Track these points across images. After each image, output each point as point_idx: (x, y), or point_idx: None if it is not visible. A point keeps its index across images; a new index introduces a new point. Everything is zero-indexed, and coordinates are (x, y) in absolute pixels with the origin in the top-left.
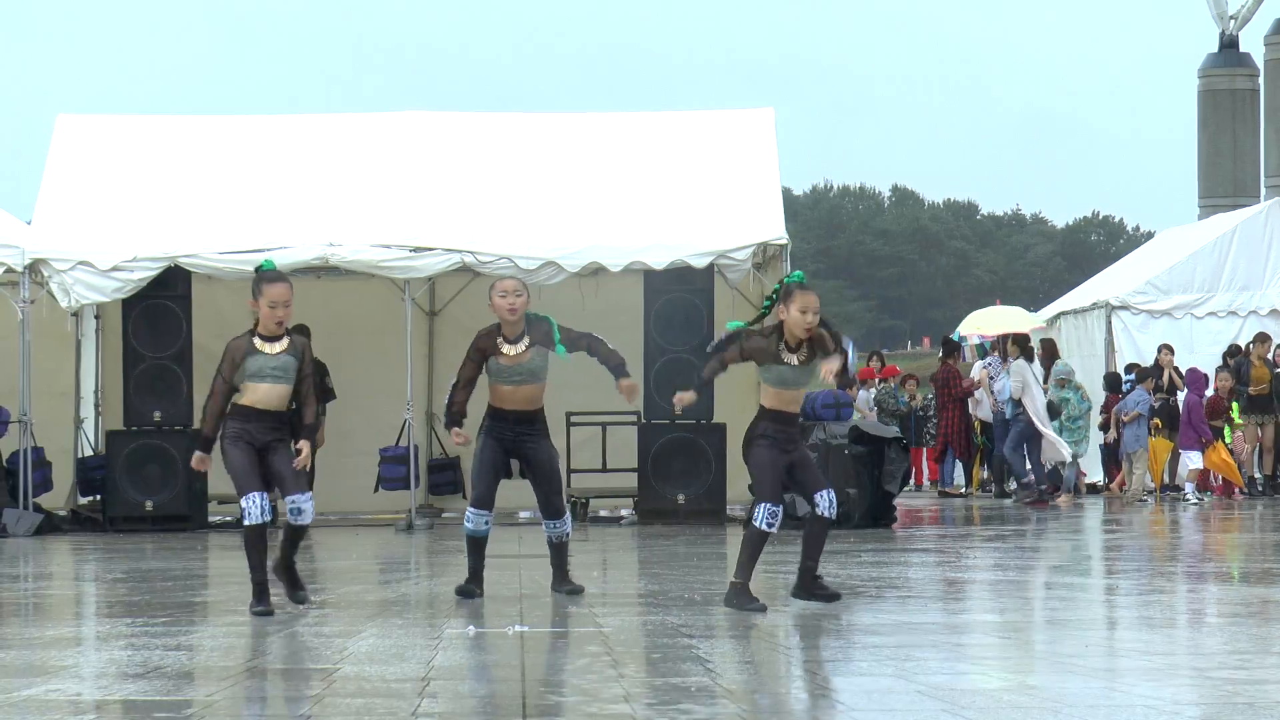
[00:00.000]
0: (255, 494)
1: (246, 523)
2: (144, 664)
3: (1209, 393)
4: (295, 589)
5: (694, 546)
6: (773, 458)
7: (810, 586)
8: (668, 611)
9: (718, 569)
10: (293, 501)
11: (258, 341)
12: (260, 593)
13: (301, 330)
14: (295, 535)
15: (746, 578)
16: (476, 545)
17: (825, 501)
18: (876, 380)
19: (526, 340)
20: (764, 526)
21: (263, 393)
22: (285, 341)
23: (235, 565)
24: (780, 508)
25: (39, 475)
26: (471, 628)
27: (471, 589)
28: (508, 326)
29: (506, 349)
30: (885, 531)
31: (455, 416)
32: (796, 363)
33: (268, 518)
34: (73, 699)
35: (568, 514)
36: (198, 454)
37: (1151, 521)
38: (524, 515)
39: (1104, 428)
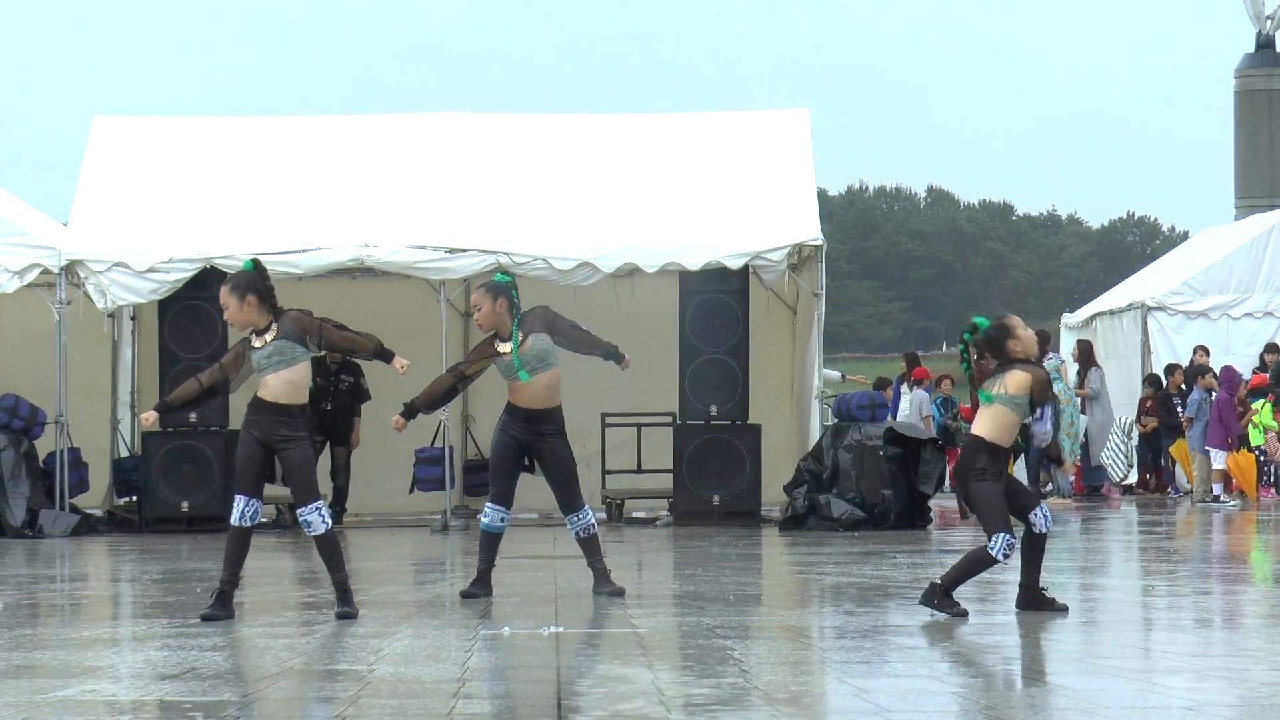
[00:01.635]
0: (245, 497)
1: (231, 521)
2: (180, 665)
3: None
4: (340, 603)
5: (729, 548)
6: (996, 489)
7: (1035, 600)
8: (703, 612)
9: (753, 570)
10: (300, 514)
11: (252, 337)
12: (219, 596)
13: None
14: (321, 549)
15: (952, 585)
16: (490, 542)
17: (1040, 518)
18: (927, 382)
19: (520, 334)
20: (1000, 557)
21: (269, 384)
22: (273, 329)
23: (271, 566)
24: (1016, 538)
25: (75, 476)
26: (507, 628)
27: (476, 592)
28: (497, 332)
29: (503, 348)
30: (920, 532)
31: (412, 408)
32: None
33: (250, 523)
34: (109, 699)
35: (586, 506)
36: (149, 412)
37: (1184, 523)
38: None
39: (1150, 429)
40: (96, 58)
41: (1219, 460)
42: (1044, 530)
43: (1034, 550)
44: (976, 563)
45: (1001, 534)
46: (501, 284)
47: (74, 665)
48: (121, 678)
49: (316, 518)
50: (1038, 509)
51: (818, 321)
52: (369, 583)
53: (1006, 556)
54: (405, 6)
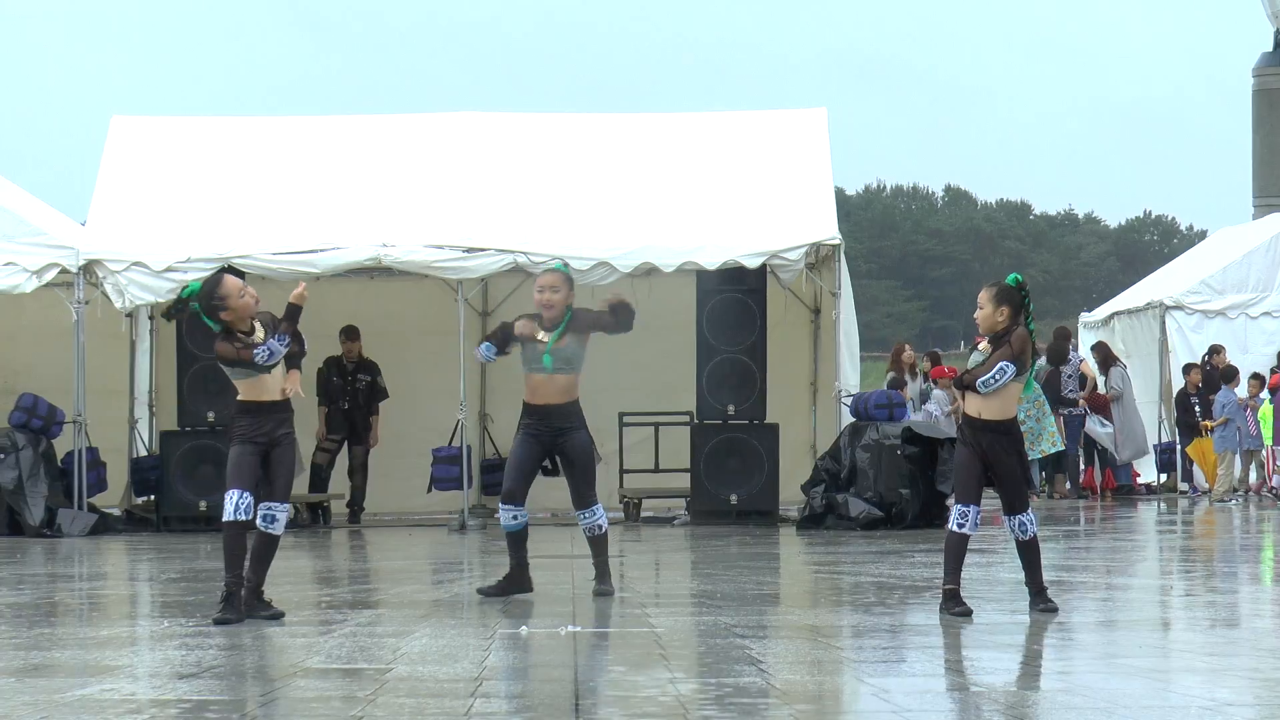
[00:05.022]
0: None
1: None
2: (198, 664)
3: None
4: (246, 608)
5: (746, 547)
6: (964, 458)
7: (1033, 602)
8: (720, 611)
9: (770, 569)
10: (267, 508)
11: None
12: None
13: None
14: (263, 548)
15: (955, 582)
16: (515, 540)
17: (1009, 525)
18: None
19: (563, 330)
20: (954, 528)
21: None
22: (260, 331)
23: (286, 565)
24: (971, 508)
25: (93, 475)
26: (524, 628)
27: (508, 588)
28: (545, 319)
29: (542, 336)
30: (938, 532)
31: (497, 334)
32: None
33: (248, 516)
34: (127, 698)
35: (598, 506)
36: None
37: (1214, 522)
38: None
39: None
40: (114, 58)
41: None
42: (1020, 537)
43: (1021, 556)
44: (951, 547)
45: (957, 505)
46: (570, 277)
47: (92, 664)
48: (140, 677)
49: (284, 518)
50: (1011, 516)
51: (837, 321)
52: (387, 582)
53: (960, 526)
54: (422, 5)
